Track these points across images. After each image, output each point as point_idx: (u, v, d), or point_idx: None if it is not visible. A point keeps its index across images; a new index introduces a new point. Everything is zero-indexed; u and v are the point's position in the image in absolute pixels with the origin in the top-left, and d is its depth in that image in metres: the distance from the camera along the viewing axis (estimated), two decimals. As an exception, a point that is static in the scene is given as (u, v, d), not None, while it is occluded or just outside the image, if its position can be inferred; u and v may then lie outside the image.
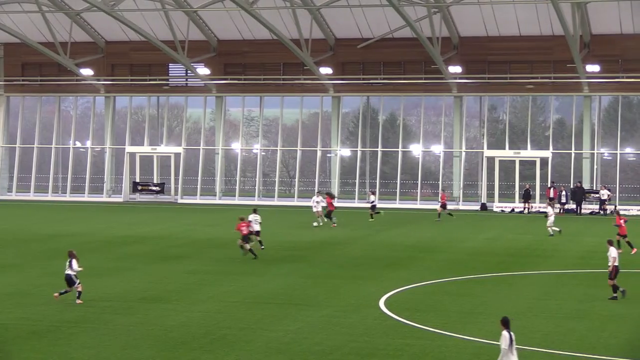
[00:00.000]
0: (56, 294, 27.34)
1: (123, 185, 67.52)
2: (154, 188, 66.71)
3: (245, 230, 36.41)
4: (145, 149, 67.85)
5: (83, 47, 64.94)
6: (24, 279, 31.17)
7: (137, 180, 67.32)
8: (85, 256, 32.96)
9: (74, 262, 28.01)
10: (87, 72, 65.07)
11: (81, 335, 24.45)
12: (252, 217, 38.06)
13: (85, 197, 66.88)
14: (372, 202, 53.09)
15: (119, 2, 56.30)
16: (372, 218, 51.06)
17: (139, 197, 66.23)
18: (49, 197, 67.82)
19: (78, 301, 27.58)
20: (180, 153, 67.30)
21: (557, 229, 44.29)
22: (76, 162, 68.99)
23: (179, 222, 51.59)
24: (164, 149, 67.63)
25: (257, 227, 37.97)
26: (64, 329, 24.99)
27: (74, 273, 28.09)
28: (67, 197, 67.29)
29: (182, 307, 28.03)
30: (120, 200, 66.14)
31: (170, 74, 66.76)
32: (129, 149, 67.75)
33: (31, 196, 68.08)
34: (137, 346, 23.18)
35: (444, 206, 53.25)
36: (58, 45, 62.64)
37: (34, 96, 69.73)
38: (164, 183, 66.93)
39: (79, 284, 28.17)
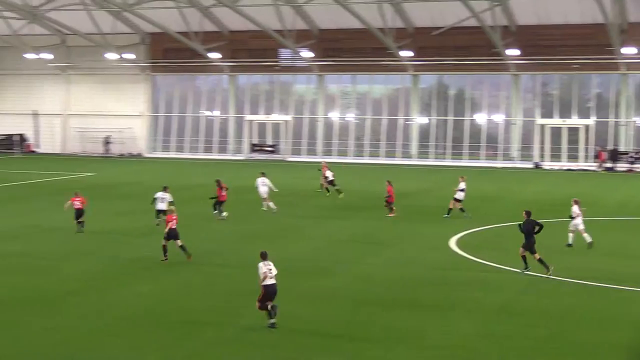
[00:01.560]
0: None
1: (243, 146, 68.20)
2: (267, 148, 67.58)
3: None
4: (261, 117, 68.65)
5: (212, 36, 65.81)
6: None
7: (255, 142, 67.93)
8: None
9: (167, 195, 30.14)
10: (215, 55, 65.91)
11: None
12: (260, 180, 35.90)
13: (214, 156, 67.76)
14: None
15: (240, -1, 56.77)
16: None
17: (256, 155, 66.86)
18: (186, 155, 68.87)
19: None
20: (289, 120, 67.88)
21: (589, 239, 27.09)
22: (207, 127, 69.99)
23: (289, 175, 51.98)
24: (276, 117, 68.37)
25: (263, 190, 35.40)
26: (201, 259, 25.22)
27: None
28: (200, 155, 68.25)
29: (287, 244, 28.24)
30: (242, 158, 66.94)
31: (280, 57, 67.01)
32: (248, 117, 68.62)
33: (171, 154, 69.17)
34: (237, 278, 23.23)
35: None
36: (192, 34, 63.46)
37: (173, 75, 70.89)
38: (275, 144, 67.63)
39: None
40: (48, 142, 74.00)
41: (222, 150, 69.82)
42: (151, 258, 25.12)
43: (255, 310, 17.69)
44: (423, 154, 66.05)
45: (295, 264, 24.67)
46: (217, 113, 71.34)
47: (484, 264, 24.51)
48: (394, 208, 34.18)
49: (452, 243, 27.93)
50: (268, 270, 17.61)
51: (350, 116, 69.18)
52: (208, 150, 69.98)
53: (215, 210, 33.21)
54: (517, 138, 64.66)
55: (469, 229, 30.76)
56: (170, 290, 21.16)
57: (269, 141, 68.93)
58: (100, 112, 72.28)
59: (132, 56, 68.82)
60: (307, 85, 69.46)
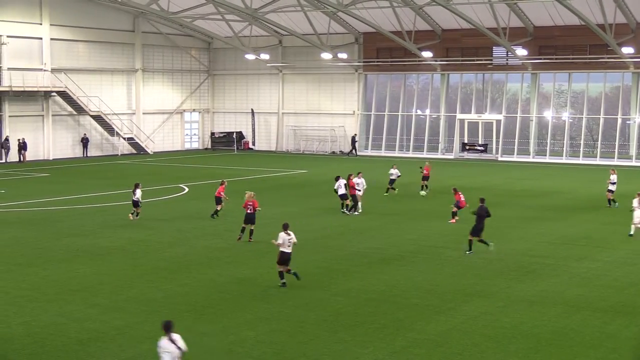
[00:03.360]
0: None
1: (454, 145, 68.29)
2: (478, 148, 67.32)
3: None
4: (472, 116, 68.45)
5: (424, 35, 66.32)
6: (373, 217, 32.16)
7: (465, 141, 67.87)
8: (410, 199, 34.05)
9: (138, 191, 33.34)
10: (427, 54, 66.41)
11: (419, 263, 25.45)
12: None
13: (424, 154, 68.18)
14: None
15: (453, -3, 56.97)
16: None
17: (466, 155, 66.96)
18: (396, 153, 69.69)
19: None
20: (500, 120, 67.43)
21: None
22: (417, 126, 70.69)
23: (500, 176, 51.76)
24: (488, 116, 67.94)
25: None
26: (407, 258, 26.07)
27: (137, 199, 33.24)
28: (410, 154, 68.88)
29: (501, 244, 28.31)
30: (452, 157, 67.03)
31: (493, 55, 66.67)
32: (459, 116, 68.62)
33: (382, 153, 70.31)
34: (464, 274, 23.90)
35: None
36: (404, 33, 64.49)
37: (385, 74, 72.04)
38: (487, 144, 67.33)
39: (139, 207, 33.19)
40: (264, 139, 77.30)
41: (433, 149, 70.20)
42: (359, 254, 26.14)
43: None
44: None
45: (506, 265, 24.80)
46: (428, 112, 71.82)
47: None
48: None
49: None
50: (287, 240, 21.65)
51: (565, 115, 67.57)
52: (418, 149, 70.56)
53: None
54: None
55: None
56: (376, 289, 21.92)
57: (480, 140, 68.60)
58: (313, 111, 74.65)
59: (345, 56, 70.59)
60: (521, 84, 68.52)
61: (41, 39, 65.01)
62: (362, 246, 27.94)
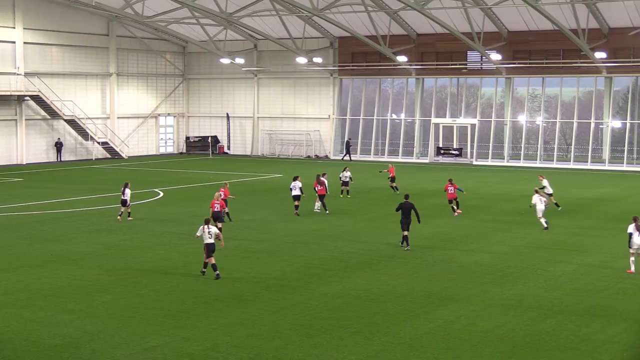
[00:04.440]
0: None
1: (429, 149, 68.52)
2: (453, 152, 67.64)
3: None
4: (447, 120, 68.81)
5: (399, 39, 66.60)
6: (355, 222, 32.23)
7: (440, 145, 68.13)
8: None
9: (127, 191, 34.18)
10: (402, 59, 66.61)
11: (395, 267, 25.52)
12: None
13: (399, 159, 68.37)
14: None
15: (428, 2, 57.07)
16: None
17: (441, 159, 67.16)
18: (371, 157, 69.85)
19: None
20: (475, 124, 67.68)
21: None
22: (392, 130, 70.88)
23: (475, 180, 51.92)
24: (462, 120, 68.30)
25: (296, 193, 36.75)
26: (383, 262, 26.15)
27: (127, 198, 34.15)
28: (385, 158, 69.00)
29: (476, 249, 28.53)
30: (427, 161, 67.28)
31: (468, 60, 67.00)
32: (434, 120, 68.93)
33: (358, 157, 70.44)
34: (440, 277, 23.99)
35: None
36: (379, 37, 64.64)
37: (360, 78, 72.23)
38: (462, 148, 67.66)
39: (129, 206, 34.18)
40: (239, 144, 77.17)
41: (408, 153, 70.39)
42: (336, 258, 26.16)
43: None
44: (616, 158, 63.97)
45: (482, 269, 24.91)
46: (403, 116, 72.02)
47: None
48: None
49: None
50: (207, 232, 23.56)
51: (539, 119, 68.00)
52: (393, 153, 70.74)
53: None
54: None
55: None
56: (352, 294, 21.96)
57: (455, 145, 68.87)
58: (289, 115, 74.65)
59: (320, 60, 70.65)
60: (495, 88, 68.88)
61: (14, 42, 64.53)
62: (337, 250, 27.96)
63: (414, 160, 68.44)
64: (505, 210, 38.26)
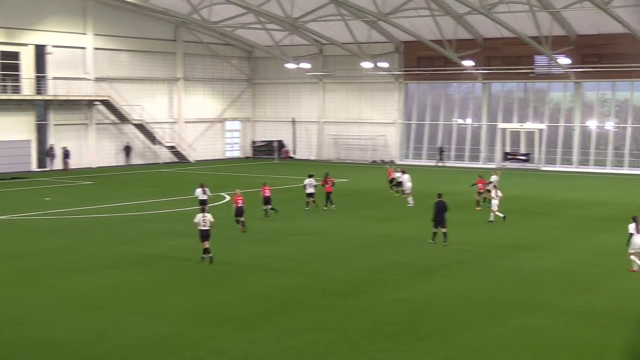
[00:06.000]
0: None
1: (496, 154, 67.91)
2: (521, 157, 66.88)
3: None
4: (514, 125, 68.15)
5: (465, 43, 66.16)
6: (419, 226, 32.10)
7: (507, 150, 67.51)
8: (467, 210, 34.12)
9: (204, 190, 36.44)
10: (468, 63, 66.21)
11: (462, 272, 25.33)
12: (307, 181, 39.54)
13: (465, 164, 67.98)
14: None
15: (495, 5, 56.59)
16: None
17: (508, 164, 66.43)
18: (449, 163, 69.56)
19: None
20: (543, 129, 66.80)
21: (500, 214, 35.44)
22: (458, 135, 70.38)
23: (543, 185, 51.29)
24: (530, 125, 67.61)
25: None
26: (450, 268, 25.98)
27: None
28: (451, 163, 68.63)
29: (546, 255, 28.19)
30: (493, 166, 66.56)
31: (535, 64, 66.24)
32: (500, 125, 68.30)
33: (423, 162, 70.20)
34: (508, 284, 23.73)
35: None
36: (445, 42, 64.35)
37: (426, 83, 71.90)
38: (529, 153, 66.84)
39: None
40: (304, 148, 77.48)
41: (474, 158, 69.86)
42: (403, 263, 26.11)
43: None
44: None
45: (551, 276, 24.60)
46: (469, 121, 71.51)
47: None
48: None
49: None
50: (202, 220, 26.20)
51: (609, 125, 66.83)
52: (459, 158, 70.28)
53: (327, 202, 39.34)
54: None
55: None
56: (419, 299, 21.89)
57: (522, 150, 68.11)
58: (354, 120, 74.72)
59: (386, 65, 70.58)
60: (563, 93, 67.94)
61: (85, 48, 65.86)
62: (404, 255, 27.88)
63: (480, 165, 67.81)
64: (575, 216, 37.71)
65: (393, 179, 46.74)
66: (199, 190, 36.66)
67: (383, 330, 18.73)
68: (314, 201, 39.35)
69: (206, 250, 26.42)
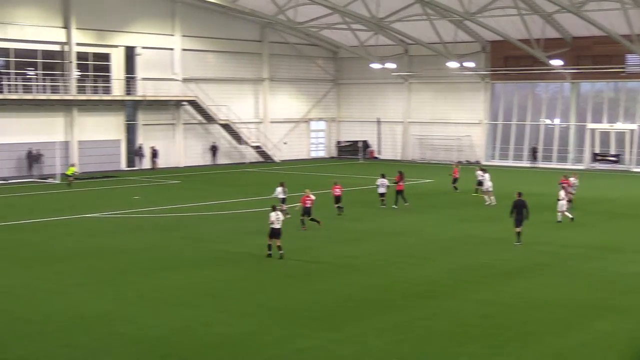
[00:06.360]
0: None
1: (584, 155, 66.60)
2: (611, 158, 65.30)
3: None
4: (604, 125, 66.71)
5: (553, 42, 65.11)
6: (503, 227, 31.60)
7: (597, 151, 66.09)
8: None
9: (284, 190, 37.07)
10: (556, 62, 65.04)
11: (549, 275, 24.94)
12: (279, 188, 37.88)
13: (552, 164, 66.90)
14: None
15: (585, 4, 55.48)
16: None
17: (597, 165, 65.07)
18: (524, 163, 68.65)
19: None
20: (634, 129, 65.25)
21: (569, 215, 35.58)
22: (545, 136, 69.23)
23: (633, 187, 50.02)
24: (620, 125, 66.02)
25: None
26: (536, 270, 25.62)
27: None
28: (538, 164, 67.61)
29: (636, 258, 27.55)
30: (582, 167, 65.24)
31: (627, 63, 64.69)
32: (589, 125, 67.04)
33: (510, 162, 69.35)
34: (596, 287, 23.26)
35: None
36: (533, 41, 63.38)
37: (513, 83, 70.89)
38: (619, 154, 65.28)
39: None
40: (389, 148, 77.31)
41: (562, 159, 68.63)
42: (487, 265, 25.80)
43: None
44: None
45: (641, 280, 24.03)
46: (557, 121, 70.27)
47: None
48: None
49: None
50: (276, 218, 26.91)
51: None
52: (547, 159, 69.13)
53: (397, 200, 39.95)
54: None
55: None
56: (504, 302, 21.60)
57: (612, 151, 66.60)
58: (439, 120, 74.21)
59: (472, 64, 69.89)
60: (656, 92, 66.20)
61: (173, 49, 67.02)
62: (489, 257, 27.58)
63: (568, 166, 66.53)
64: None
65: (456, 178, 47.33)
66: (279, 189, 37.04)
67: (467, 332, 18.56)
68: (383, 200, 40.42)
69: (278, 247, 27.17)
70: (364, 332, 18.65)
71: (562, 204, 35.25)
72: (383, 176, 40.97)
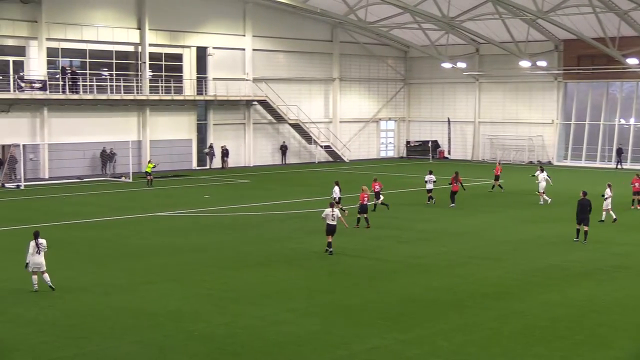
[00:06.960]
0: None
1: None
2: (686, 158, 63.85)
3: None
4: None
5: (629, 41, 63.97)
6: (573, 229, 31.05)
7: (674, 151, 64.90)
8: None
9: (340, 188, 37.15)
10: (632, 61, 63.76)
11: (621, 278, 24.50)
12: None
13: (627, 165, 65.80)
14: None
15: (662, 1, 54.35)
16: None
17: (674, 166, 63.68)
18: (597, 164, 67.50)
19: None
20: None
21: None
22: (620, 136, 68.00)
23: None
24: (698, 125, 64.18)
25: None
26: (608, 272, 25.22)
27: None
28: (613, 164, 66.36)
29: None
30: (658, 168, 63.77)
31: None
32: (666, 125, 65.29)
33: (582, 163, 68.26)
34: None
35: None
36: (608, 39, 62.23)
37: (586, 82, 69.69)
38: (697, 155, 63.72)
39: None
40: (459, 148, 76.74)
41: (637, 160, 67.24)
42: (556, 266, 25.46)
43: None
44: None
45: None
46: (632, 121, 68.86)
47: None
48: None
49: None
50: (331, 214, 27.56)
51: None
52: (622, 159, 67.77)
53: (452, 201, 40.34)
54: None
55: None
56: (574, 304, 21.30)
57: (689, 151, 65.07)
58: (510, 120, 73.38)
59: (545, 63, 68.95)
60: None
61: (244, 49, 67.62)
62: (559, 258, 27.21)
63: (643, 167, 65.19)
64: None
65: (498, 176, 47.96)
66: (336, 189, 37.04)
67: (537, 334, 18.35)
68: (431, 197, 41.39)
69: (328, 244, 27.84)
70: (431, 332, 18.59)
71: (608, 202, 34.85)
72: (430, 172, 41.92)
